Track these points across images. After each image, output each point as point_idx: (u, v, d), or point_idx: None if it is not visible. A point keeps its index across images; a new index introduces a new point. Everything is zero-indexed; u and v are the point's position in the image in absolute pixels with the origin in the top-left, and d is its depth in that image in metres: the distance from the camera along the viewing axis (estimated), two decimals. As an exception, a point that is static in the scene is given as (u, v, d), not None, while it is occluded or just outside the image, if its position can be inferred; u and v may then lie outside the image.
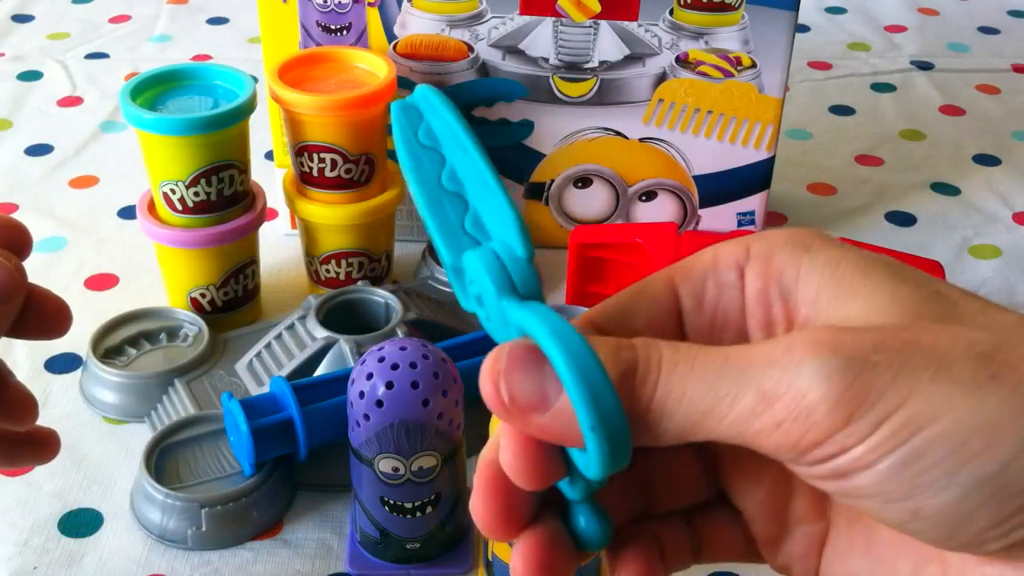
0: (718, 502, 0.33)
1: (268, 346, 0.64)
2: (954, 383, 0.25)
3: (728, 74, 0.72)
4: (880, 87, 1.02)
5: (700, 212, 0.77)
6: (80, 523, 0.58)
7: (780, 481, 0.31)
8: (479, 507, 0.29)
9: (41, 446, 0.49)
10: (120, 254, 0.78)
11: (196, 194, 0.65)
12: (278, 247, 0.77)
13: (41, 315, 0.45)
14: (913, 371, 0.25)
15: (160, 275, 0.70)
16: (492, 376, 0.27)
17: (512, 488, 0.28)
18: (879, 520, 0.27)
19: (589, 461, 0.26)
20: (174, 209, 0.65)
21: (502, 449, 0.27)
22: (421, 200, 0.30)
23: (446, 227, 0.30)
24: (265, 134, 0.76)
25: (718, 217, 0.77)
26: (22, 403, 0.46)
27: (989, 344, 0.25)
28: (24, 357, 0.68)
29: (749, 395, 0.26)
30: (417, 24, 0.71)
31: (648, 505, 0.32)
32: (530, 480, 0.27)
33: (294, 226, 0.77)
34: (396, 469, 0.51)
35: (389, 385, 0.49)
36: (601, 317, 0.30)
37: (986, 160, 0.91)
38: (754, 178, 0.76)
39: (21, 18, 1.11)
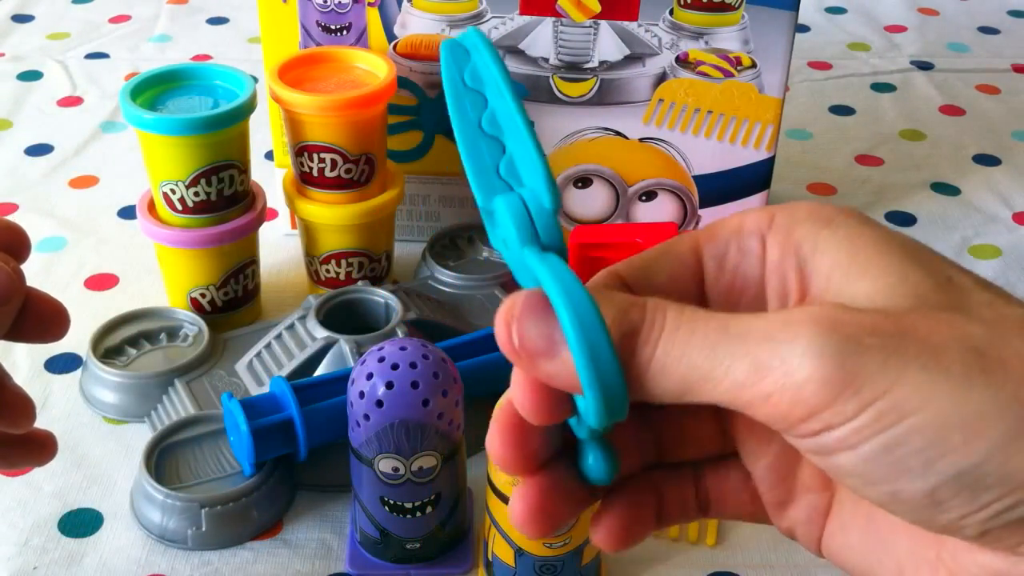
0: (730, 460, 0.33)
1: (268, 346, 0.64)
2: (942, 374, 0.25)
3: (728, 74, 0.72)
4: (880, 87, 1.02)
5: (700, 212, 0.77)
6: (80, 523, 0.58)
7: (788, 447, 0.32)
8: (494, 441, 0.30)
9: (39, 448, 0.49)
10: (120, 254, 0.78)
11: (196, 194, 0.65)
12: (278, 247, 0.78)
13: (39, 318, 0.45)
14: (904, 358, 0.25)
15: (160, 275, 0.70)
16: (506, 320, 0.28)
17: (525, 426, 0.29)
18: (862, 497, 0.27)
19: (587, 411, 0.27)
20: (174, 209, 0.65)
21: (513, 386, 0.29)
22: (460, 140, 0.31)
23: (481, 169, 0.31)
24: (265, 134, 0.76)
25: (718, 217, 0.77)
26: (19, 406, 0.46)
27: (984, 338, 0.26)
28: (24, 357, 0.68)
29: (743, 365, 0.26)
30: (417, 24, 0.71)
31: (661, 454, 0.33)
32: (537, 416, 0.28)
33: (294, 226, 0.77)
34: (396, 469, 0.51)
35: (389, 385, 0.49)
36: (627, 270, 0.31)
37: (986, 160, 0.91)
38: (754, 178, 0.76)
39: (21, 18, 1.11)
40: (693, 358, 0.27)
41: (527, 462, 0.30)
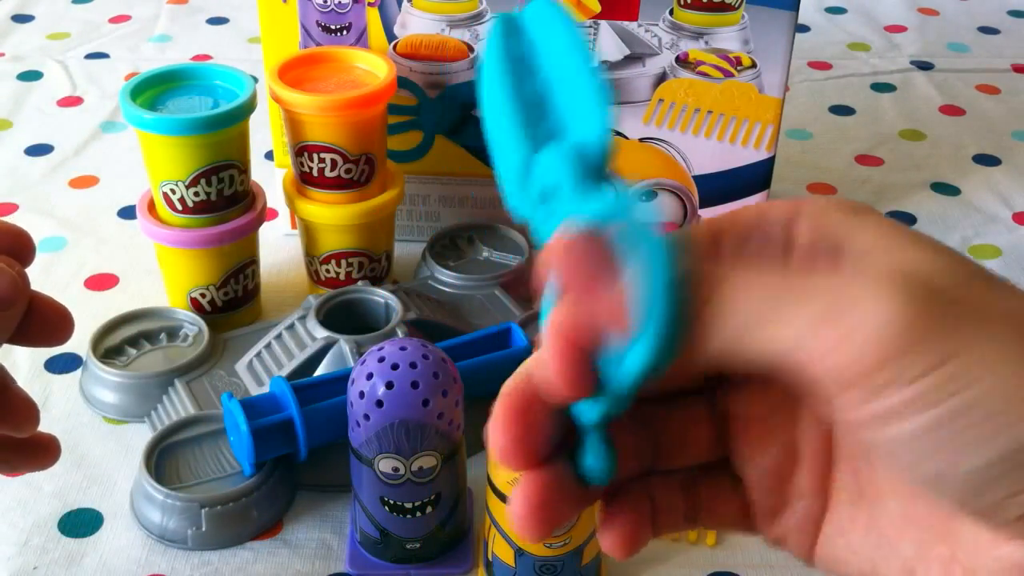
0: (720, 469, 0.33)
1: (268, 346, 0.64)
2: (1009, 344, 0.25)
3: (728, 74, 0.72)
4: (880, 87, 1.02)
5: (700, 212, 0.77)
6: (80, 523, 0.58)
7: (787, 451, 0.31)
8: (498, 431, 0.29)
9: (41, 452, 0.49)
10: (120, 254, 0.78)
11: (196, 194, 0.65)
12: (278, 247, 0.78)
13: (43, 322, 0.45)
14: (974, 324, 0.25)
15: (160, 275, 0.70)
16: (560, 247, 0.27)
17: (530, 416, 0.29)
18: (903, 474, 0.27)
19: (636, 352, 0.26)
20: (174, 209, 0.65)
21: (541, 353, 0.28)
22: (498, 112, 0.30)
23: (518, 129, 0.30)
24: (265, 134, 0.76)
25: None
26: (23, 409, 0.46)
27: None
28: (24, 357, 0.68)
29: (811, 310, 0.25)
30: (417, 24, 0.71)
31: (656, 459, 0.33)
32: (564, 379, 0.27)
33: (294, 226, 0.77)
34: (396, 469, 0.51)
35: (389, 385, 0.49)
36: None
37: (986, 160, 0.91)
38: (754, 178, 0.76)
39: (21, 18, 1.11)
40: (753, 303, 0.26)
41: (530, 454, 0.29)
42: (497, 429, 0.29)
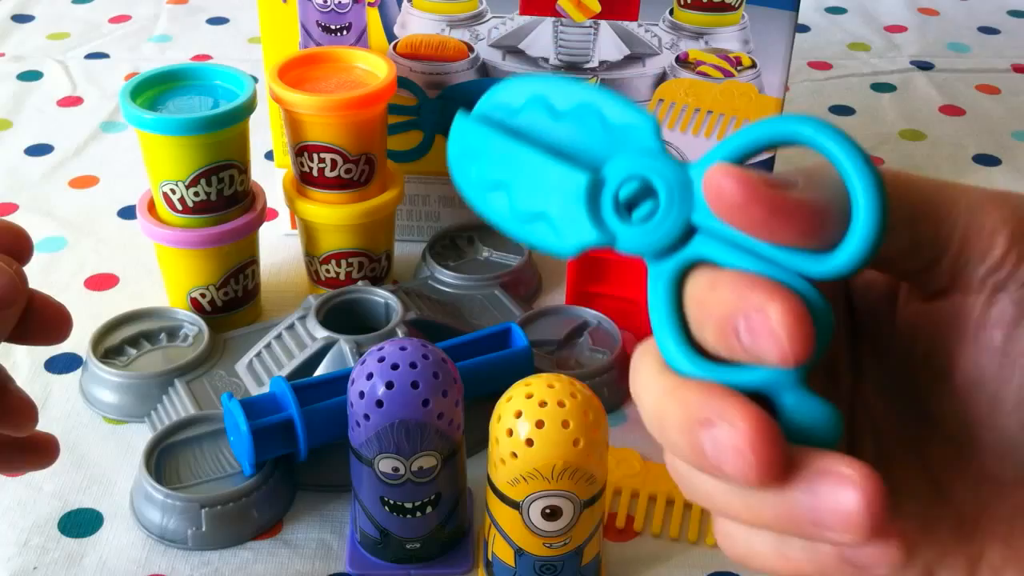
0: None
1: (268, 346, 0.64)
2: None
3: (728, 74, 0.72)
4: (880, 87, 1.02)
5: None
6: (80, 523, 0.58)
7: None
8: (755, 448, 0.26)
9: (41, 451, 0.49)
10: (120, 254, 0.78)
11: (196, 194, 0.65)
12: (278, 247, 0.78)
13: (42, 321, 0.45)
14: None
15: (160, 275, 0.70)
16: (731, 171, 0.27)
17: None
18: None
19: (852, 240, 0.26)
20: (174, 209, 0.66)
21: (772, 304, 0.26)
22: (538, 153, 0.30)
23: (559, 163, 0.30)
24: (265, 134, 0.76)
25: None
26: (22, 409, 0.46)
27: None
28: (24, 357, 0.68)
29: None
30: (417, 24, 0.71)
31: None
32: (797, 331, 0.26)
33: (294, 226, 0.77)
34: (396, 469, 0.51)
35: (389, 385, 0.49)
36: None
37: (986, 160, 0.91)
38: (754, 178, 0.76)
39: (21, 18, 1.11)
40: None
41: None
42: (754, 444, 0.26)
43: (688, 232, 0.28)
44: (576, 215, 0.29)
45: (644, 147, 0.29)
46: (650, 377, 0.29)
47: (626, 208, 0.29)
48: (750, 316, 0.26)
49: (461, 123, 0.30)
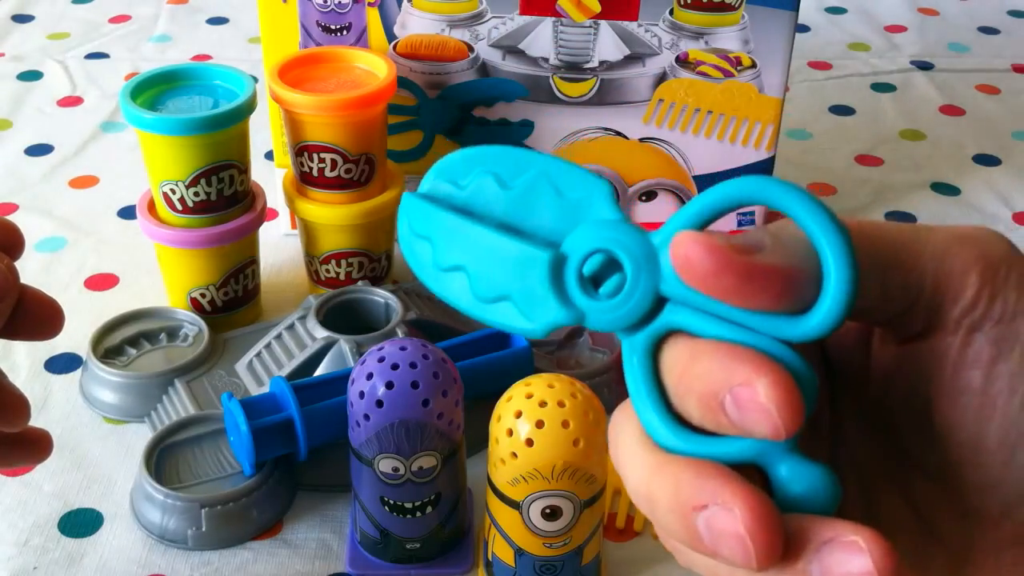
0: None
1: (268, 346, 0.64)
2: None
3: (728, 74, 0.72)
4: (880, 87, 1.02)
5: (700, 212, 0.77)
6: (80, 523, 0.58)
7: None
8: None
9: (34, 446, 0.49)
10: (120, 254, 0.78)
11: (196, 194, 0.65)
12: (278, 247, 0.77)
13: (34, 316, 0.44)
14: None
15: (160, 275, 0.70)
16: (699, 239, 0.26)
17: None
18: None
19: (825, 303, 0.26)
20: (174, 209, 0.65)
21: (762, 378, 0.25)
22: (494, 232, 0.28)
23: (516, 243, 0.28)
24: (265, 134, 0.76)
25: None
26: (15, 405, 0.46)
27: None
28: (24, 357, 0.68)
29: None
30: (417, 24, 0.71)
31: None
32: (788, 406, 0.25)
33: (294, 226, 0.77)
34: (396, 469, 0.51)
35: (389, 385, 0.49)
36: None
37: (986, 160, 0.91)
38: (754, 178, 0.76)
39: (21, 18, 1.11)
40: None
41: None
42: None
43: (659, 302, 0.27)
44: (541, 295, 0.28)
45: (603, 217, 0.28)
46: (634, 452, 0.28)
47: (592, 283, 0.28)
48: (737, 391, 0.25)
49: (409, 202, 0.29)
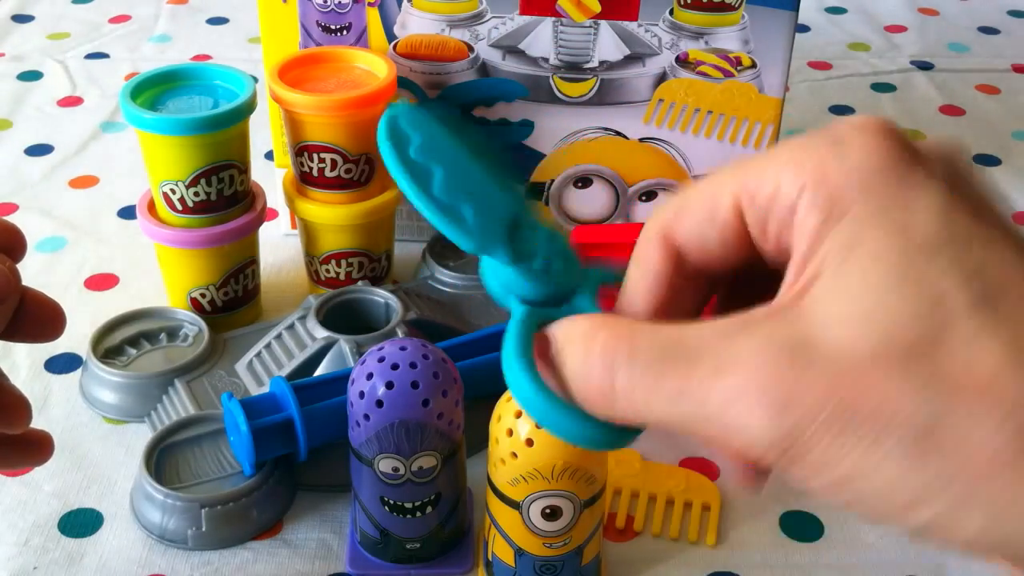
0: None
1: (268, 346, 0.64)
2: (885, 455, 0.25)
3: (728, 74, 0.72)
4: (880, 87, 1.02)
5: (700, 212, 0.77)
6: (80, 523, 0.58)
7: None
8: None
9: (35, 448, 0.49)
10: (120, 254, 0.78)
11: (196, 194, 0.65)
12: (278, 247, 0.78)
13: (35, 318, 0.44)
14: (853, 439, 0.25)
15: (160, 275, 0.70)
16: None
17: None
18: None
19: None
20: (174, 209, 0.66)
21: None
22: (484, 168, 0.32)
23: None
24: (265, 134, 0.76)
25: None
26: (16, 406, 0.46)
27: (930, 416, 0.25)
28: (24, 357, 0.68)
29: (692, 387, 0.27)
30: (417, 24, 0.71)
31: None
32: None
33: (294, 226, 0.77)
34: (396, 469, 0.51)
35: (389, 385, 0.49)
36: (682, 236, 0.31)
37: (986, 160, 0.91)
38: (754, 178, 0.76)
39: (21, 18, 1.11)
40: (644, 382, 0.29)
41: None
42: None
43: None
44: (495, 230, 0.31)
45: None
46: None
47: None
48: None
49: (401, 109, 0.31)
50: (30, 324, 0.44)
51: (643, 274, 0.32)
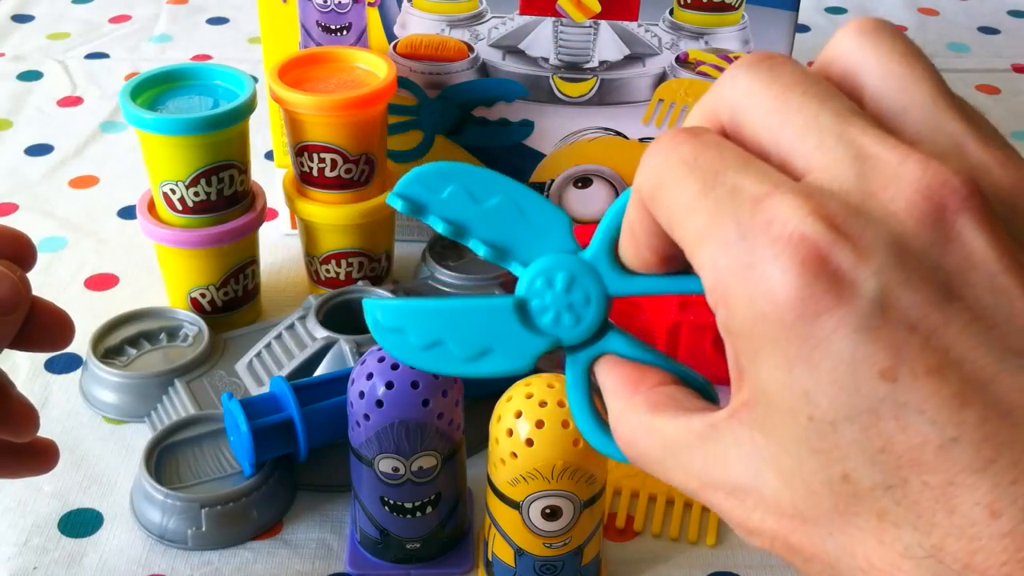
0: None
1: (268, 346, 0.64)
2: None
3: (728, 74, 0.72)
4: (880, 87, 1.02)
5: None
6: (80, 523, 0.58)
7: None
8: None
9: (40, 457, 0.49)
10: (120, 254, 0.78)
11: (196, 194, 0.65)
12: (278, 247, 0.78)
13: (44, 327, 0.45)
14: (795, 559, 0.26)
15: (160, 275, 0.70)
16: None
17: None
18: None
19: None
20: (174, 209, 0.66)
21: None
22: (458, 302, 0.32)
23: (482, 296, 0.34)
24: (265, 134, 0.76)
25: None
26: (24, 415, 0.46)
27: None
28: (24, 357, 0.68)
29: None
30: (417, 24, 0.71)
31: None
32: None
33: (294, 226, 0.77)
34: (396, 469, 0.51)
35: (389, 385, 0.49)
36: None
37: (986, 160, 0.91)
38: (754, 178, 0.76)
39: (21, 18, 1.11)
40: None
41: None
42: None
43: (601, 329, 0.32)
44: (516, 335, 0.32)
45: (560, 247, 0.32)
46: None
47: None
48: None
49: (373, 306, 0.32)
50: (39, 333, 0.45)
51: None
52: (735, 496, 0.26)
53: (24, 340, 0.44)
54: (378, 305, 0.31)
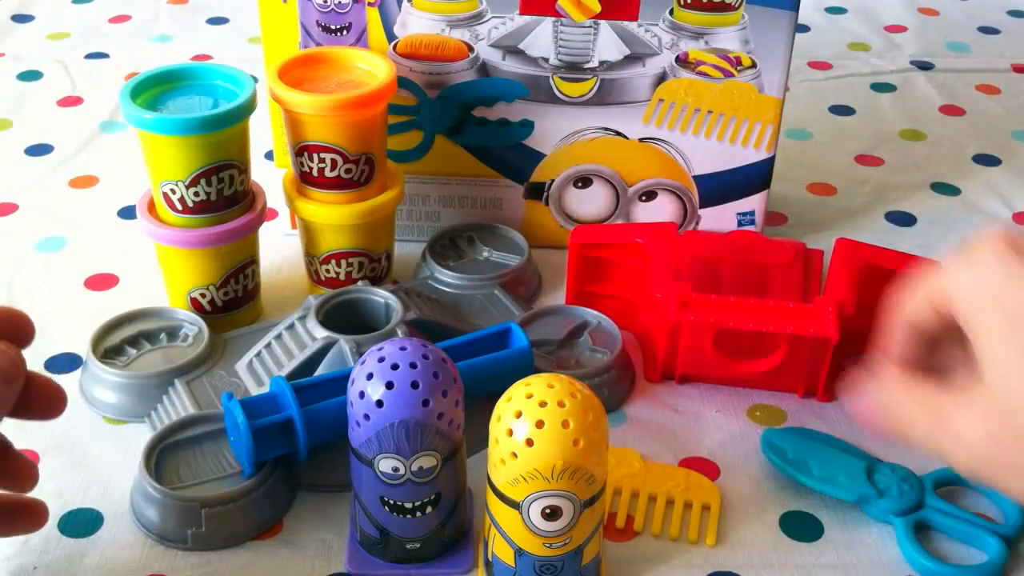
0: None
1: (268, 346, 0.64)
2: None
3: (728, 74, 0.72)
4: (880, 87, 1.02)
5: (700, 212, 0.77)
6: (80, 523, 0.58)
7: None
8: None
9: (31, 515, 0.52)
10: (120, 254, 0.78)
11: (196, 194, 0.65)
12: (278, 247, 0.78)
13: (39, 398, 0.49)
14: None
15: (160, 275, 0.70)
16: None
17: None
18: None
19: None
20: (174, 209, 0.66)
21: None
22: (835, 449, 0.61)
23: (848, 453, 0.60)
24: (265, 134, 0.76)
25: (718, 217, 0.77)
26: (24, 471, 0.51)
27: None
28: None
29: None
30: (417, 24, 0.71)
31: None
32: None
33: (294, 226, 0.77)
34: (396, 469, 0.51)
35: (389, 385, 0.49)
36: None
37: (986, 160, 0.91)
38: (754, 178, 0.76)
39: (21, 18, 1.11)
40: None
41: None
42: None
43: (918, 504, 0.57)
44: (859, 479, 0.58)
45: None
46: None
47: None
48: None
49: (774, 436, 0.61)
50: (35, 403, 0.49)
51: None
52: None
53: (21, 409, 0.48)
54: (780, 435, 0.60)
